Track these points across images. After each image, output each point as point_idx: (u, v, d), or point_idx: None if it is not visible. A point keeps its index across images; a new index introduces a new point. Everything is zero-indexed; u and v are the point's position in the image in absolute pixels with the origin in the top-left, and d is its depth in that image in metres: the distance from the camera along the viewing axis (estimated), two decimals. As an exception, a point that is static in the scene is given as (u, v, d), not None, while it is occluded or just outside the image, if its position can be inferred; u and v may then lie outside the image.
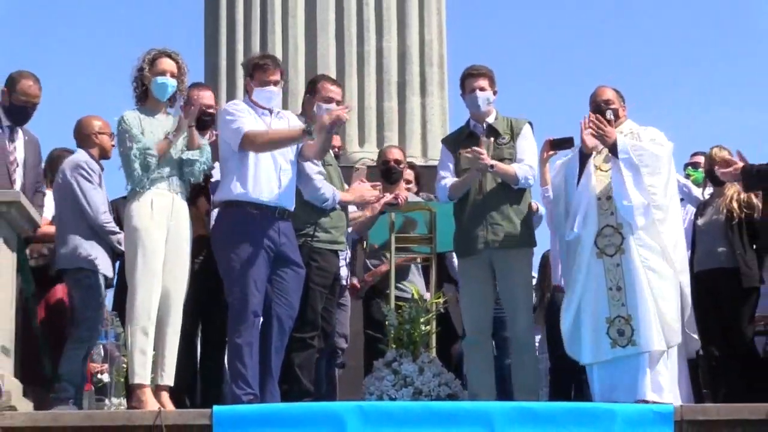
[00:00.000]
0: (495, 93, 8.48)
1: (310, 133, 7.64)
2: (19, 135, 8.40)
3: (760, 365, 8.92)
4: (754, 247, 8.96)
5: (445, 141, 8.79)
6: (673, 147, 8.20)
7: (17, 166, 8.32)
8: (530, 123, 8.52)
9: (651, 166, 7.87)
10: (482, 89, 8.37)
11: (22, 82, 8.32)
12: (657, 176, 7.89)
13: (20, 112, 8.37)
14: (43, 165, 8.68)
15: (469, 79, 8.43)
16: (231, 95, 12.09)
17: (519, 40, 29.37)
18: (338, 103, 8.44)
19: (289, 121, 8.05)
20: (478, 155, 8.07)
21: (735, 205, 8.72)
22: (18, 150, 8.37)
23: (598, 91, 8.31)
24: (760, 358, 9.08)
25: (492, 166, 8.13)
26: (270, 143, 7.72)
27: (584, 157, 8.09)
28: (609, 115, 8.10)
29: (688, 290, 8.07)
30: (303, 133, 7.65)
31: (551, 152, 8.79)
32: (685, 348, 8.22)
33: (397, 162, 9.58)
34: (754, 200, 8.83)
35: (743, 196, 8.86)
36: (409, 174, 9.75)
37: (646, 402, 7.47)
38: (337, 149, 8.97)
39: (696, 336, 8.35)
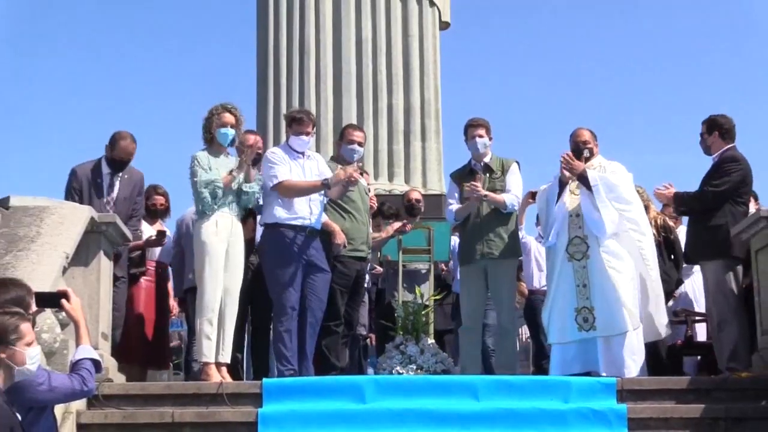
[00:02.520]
0: (491, 139, 8.53)
1: (328, 185, 7.70)
2: (117, 177, 8.43)
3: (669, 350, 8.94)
4: (672, 257, 8.96)
5: (452, 176, 8.77)
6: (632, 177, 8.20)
7: (112, 204, 8.33)
8: (517, 162, 8.56)
9: (615, 192, 7.86)
10: (481, 136, 8.44)
11: (121, 142, 8.39)
12: (622, 200, 7.86)
13: (118, 164, 8.42)
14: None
15: (470, 128, 8.49)
16: (276, 140, 12.05)
17: (501, 96, 29.42)
18: (360, 144, 8.46)
19: (318, 163, 8.04)
20: (475, 188, 8.21)
21: (653, 230, 8.51)
22: (114, 190, 8.40)
23: (576, 132, 8.27)
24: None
25: (486, 196, 8.24)
26: (297, 193, 7.73)
27: (562, 184, 8.11)
28: (586, 153, 8.12)
29: (658, 284, 8.01)
30: (322, 185, 7.70)
31: (531, 201, 8.81)
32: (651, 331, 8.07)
33: (417, 201, 9.69)
34: (670, 223, 8.86)
35: (660, 221, 8.83)
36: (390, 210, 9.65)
37: (599, 375, 7.46)
38: (367, 185, 8.76)
39: (663, 323, 8.19)
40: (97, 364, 4.71)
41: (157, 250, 8.90)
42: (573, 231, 7.97)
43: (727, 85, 29.76)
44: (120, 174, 8.43)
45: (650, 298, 8.03)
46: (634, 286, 7.83)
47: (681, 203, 8.21)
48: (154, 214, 9.03)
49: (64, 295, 4.79)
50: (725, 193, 7.88)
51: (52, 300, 4.81)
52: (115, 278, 7.94)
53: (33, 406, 4.50)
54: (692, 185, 8.19)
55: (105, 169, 8.41)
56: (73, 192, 8.21)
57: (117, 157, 8.40)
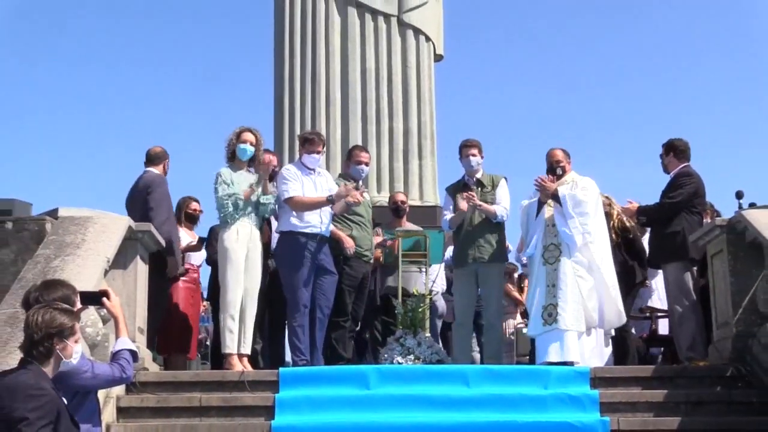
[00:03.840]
0: (482, 157, 8.50)
1: (332, 201, 7.71)
2: None
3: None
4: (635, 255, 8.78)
5: (447, 189, 8.73)
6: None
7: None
8: (505, 178, 8.55)
9: (580, 207, 7.85)
10: (474, 155, 8.43)
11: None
12: (585, 215, 7.85)
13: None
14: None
15: (465, 148, 8.47)
16: (291, 158, 12.03)
17: (488, 118, 29.45)
18: (366, 164, 8.48)
19: (327, 179, 8.04)
20: (470, 197, 8.19)
21: (613, 234, 8.44)
22: None
23: (550, 152, 8.24)
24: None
25: (479, 205, 8.24)
26: (305, 207, 7.72)
27: (540, 202, 8.10)
28: (559, 171, 8.12)
29: (615, 291, 7.92)
30: (327, 200, 7.71)
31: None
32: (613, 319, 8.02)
33: (402, 202, 9.54)
34: (627, 224, 8.73)
35: (617, 224, 8.68)
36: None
37: (573, 364, 7.43)
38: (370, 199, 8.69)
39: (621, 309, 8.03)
40: (134, 354, 4.73)
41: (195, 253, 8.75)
42: (549, 239, 7.96)
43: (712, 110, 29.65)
44: None
45: (609, 295, 7.93)
46: (594, 292, 7.80)
47: (643, 214, 8.28)
48: (191, 220, 8.94)
49: (105, 294, 4.80)
50: (680, 204, 7.98)
51: (94, 298, 4.81)
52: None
53: (79, 391, 4.53)
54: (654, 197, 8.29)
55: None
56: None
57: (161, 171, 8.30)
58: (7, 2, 29.23)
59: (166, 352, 8.38)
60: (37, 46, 31.54)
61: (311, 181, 7.87)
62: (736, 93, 31.64)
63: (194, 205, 8.95)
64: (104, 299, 4.76)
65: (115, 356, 4.65)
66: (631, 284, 8.59)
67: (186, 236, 8.68)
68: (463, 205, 8.26)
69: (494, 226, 8.35)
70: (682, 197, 7.99)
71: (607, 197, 8.58)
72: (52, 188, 29.70)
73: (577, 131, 29.54)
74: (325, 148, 8.29)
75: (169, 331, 8.24)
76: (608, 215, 8.46)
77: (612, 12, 31.76)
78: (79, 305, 4.69)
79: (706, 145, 26.84)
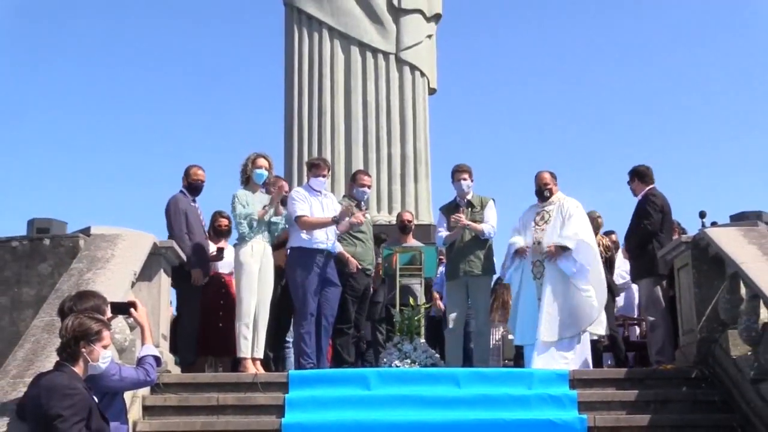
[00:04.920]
0: (472, 181, 8.49)
1: (337, 221, 7.71)
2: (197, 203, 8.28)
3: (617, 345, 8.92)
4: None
5: (441, 209, 8.71)
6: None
7: (203, 222, 8.27)
8: (493, 199, 8.56)
9: (574, 235, 7.78)
10: (465, 179, 8.42)
11: (192, 169, 8.22)
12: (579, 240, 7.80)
13: (195, 188, 8.22)
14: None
15: (457, 173, 8.47)
16: (300, 181, 12.14)
17: (477, 145, 29.57)
18: (368, 187, 8.52)
19: (333, 201, 8.04)
20: (458, 219, 8.22)
21: (600, 248, 8.51)
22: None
23: (539, 175, 8.16)
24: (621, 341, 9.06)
25: (468, 225, 8.25)
26: (311, 226, 7.70)
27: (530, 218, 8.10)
28: (546, 194, 8.10)
29: (603, 298, 7.88)
30: (332, 220, 7.70)
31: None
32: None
33: (408, 221, 9.55)
34: (610, 244, 8.87)
35: (603, 242, 8.81)
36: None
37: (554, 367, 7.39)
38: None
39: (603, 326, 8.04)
40: (158, 360, 4.74)
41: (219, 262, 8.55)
42: (535, 256, 7.95)
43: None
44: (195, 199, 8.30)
45: (593, 304, 7.88)
46: (570, 304, 7.75)
47: (628, 241, 8.29)
48: (220, 234, 8.70)
49: (133, 305, 4.81)
50: (655, 227, 7.99)
51: (123, 308, 4.82)
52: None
53: (107, 392, 4.54)
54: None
55: (189, 196, 8.20)
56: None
57: (192, 182, 8.23)
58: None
59: (205, 354, 8.30)
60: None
61: (318, 202, 7.88)
62: (696, 125, 31.78)
63: (223, 220, 8.81)
64: (132, 309, 4.77)
65: (141, 361, 4.66)
66: (610, 296, 8.58)
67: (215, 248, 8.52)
68: (463, 220, 8.22)
69: (483, 242, 8.36)
70: (656, 220, 8.01)
71: (599, 217, 8.62)
72: (85, 207, 29.74)
73: (557, 154, 29.63)
74: (330, 172, 8.32)
75: (206, 335, 8.13)
76: (597, 230, 8.50)
77: (591, 51, 31.92)
78: (109, 314, 4.71)
79: (674, 171, 26.95)
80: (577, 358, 7.77)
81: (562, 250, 7.77)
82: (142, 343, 4.77)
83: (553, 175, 8.22)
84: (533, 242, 7.98)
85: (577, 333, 7.75)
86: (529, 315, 7.85)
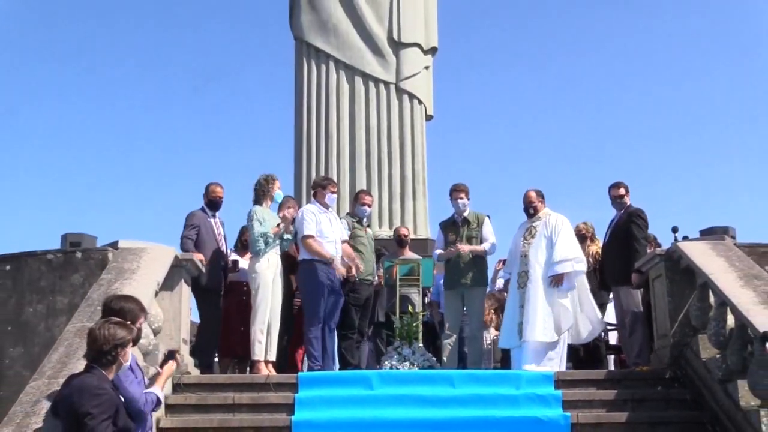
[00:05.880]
0: (469, 200, 8.47)
1: (331, 262, 7.60)
2: (218, 219, 8.24)
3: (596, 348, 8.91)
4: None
5: (440, 225, 8.66)
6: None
7: (223, 238, 8.21)
8: (488, 216, 8.54)
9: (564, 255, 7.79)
10: (461, 198, 8.40)
11: (211, 187, 8.24)
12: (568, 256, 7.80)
13: (213, 204, 8.21)
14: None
15: (454, 192, 8.44)
16: (308, 199, 12.15)
17: (470, 166, 29.65)
18: (369, 206, 8.54)
19: (336, 218, 8.04)
20: (456, 250, 8.20)
21: (590, 259, 8.56)
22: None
23: (526, 194, 8.08)
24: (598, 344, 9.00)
25: (472, 251, 8.23)
26: (311, 251, 7.60)
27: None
28: (531, 211, 8.03)
29: (585, 305, 7.87)
30: (329, 258, 7.59)
31: (500, 267, 8.91)
32: (578, 337, 7.98)
33: (405, 235, 9.56)
34: (599, 251, 8.78)
35: (593, 251, 8.78)
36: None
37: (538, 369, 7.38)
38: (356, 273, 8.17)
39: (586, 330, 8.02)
40: (159, 402, 4.74)
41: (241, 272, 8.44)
42: (522, 267, 7.96)
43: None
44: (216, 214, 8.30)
45: (579, 310, 7.91)
46: (549, 311, 7.71)
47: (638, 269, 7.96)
48: (246, 247, 8.42)
49: (173, 355, 4.98)
50: (647, 239, 8.06)
51: (170, 355, 4.99)
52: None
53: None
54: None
55: (209, 212, 8.21)
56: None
57: (212, 198, 8.25)
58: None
59: (228, 356, 8.31)
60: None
61: (327, 218, 7.89)
62: (670, 148, 31.84)
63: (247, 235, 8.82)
64: (171, 360, 4.92)
65: (148, 394, 4.64)
66: (601, 303, 8.59)
67: (242, 260, 8.48)
68: (464, 248, 8.22)
69: (477, 257, 8.35)
70: (647, 236, 8.08)
71: (591, 228, 8.64)
72: (114, 222, 29.83)
73: (542, 174, 29.70)
74: (336, 190, 8.30)
75: (228, 338, 8.14)
76: (590, 240, 8.45)
77: (580, 70, 32.05)
78: (142, 320, 4.78)
79: (648, 189, 27.02)
80: (559, 359, 7.75)
81: (561, 277, 7.77)
82: (154, 384, 4.79)
83: (539, 193, 8.16)
84: (521, 255, 7.98)
85: (558, 336, 7.73)
86: (512, 320, 7.85)
